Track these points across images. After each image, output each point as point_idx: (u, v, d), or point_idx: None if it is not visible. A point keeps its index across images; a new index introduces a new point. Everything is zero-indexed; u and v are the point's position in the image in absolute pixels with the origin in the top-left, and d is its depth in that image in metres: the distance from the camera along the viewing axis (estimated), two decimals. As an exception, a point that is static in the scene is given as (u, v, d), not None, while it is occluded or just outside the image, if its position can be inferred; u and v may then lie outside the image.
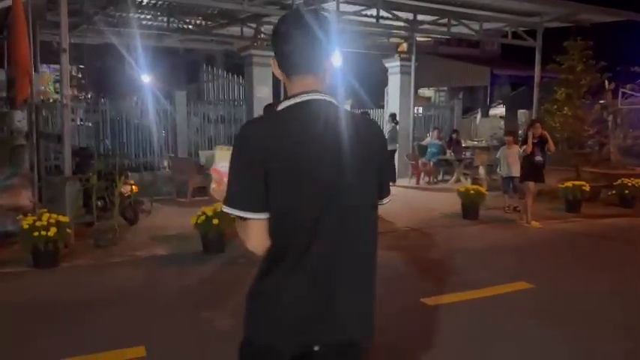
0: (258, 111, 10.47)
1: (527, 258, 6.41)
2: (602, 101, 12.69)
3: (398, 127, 12.73)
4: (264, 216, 1.61)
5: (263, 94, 11.44)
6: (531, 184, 8.00)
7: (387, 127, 12.42)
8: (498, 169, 9.52)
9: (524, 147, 7.99)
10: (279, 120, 1.70)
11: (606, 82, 11.71)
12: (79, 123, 10.96)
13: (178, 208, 9.00)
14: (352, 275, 1.67)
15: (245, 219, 1.62)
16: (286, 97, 1.70)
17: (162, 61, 20.62)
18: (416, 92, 17.41)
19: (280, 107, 1.69)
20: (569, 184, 9.21)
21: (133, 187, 7.67)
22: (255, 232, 1.64)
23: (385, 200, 1.84)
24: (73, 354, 3.61)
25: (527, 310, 4.59)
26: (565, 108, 11.63)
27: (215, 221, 6.11)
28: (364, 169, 1.68)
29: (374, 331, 1.74)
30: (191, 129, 11.59)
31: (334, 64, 1.77)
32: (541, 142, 7.93)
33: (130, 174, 9.06)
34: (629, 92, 12.69)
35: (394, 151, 12.31)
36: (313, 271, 1.62)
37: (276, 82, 12.13)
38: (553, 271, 5.84)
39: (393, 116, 12.85)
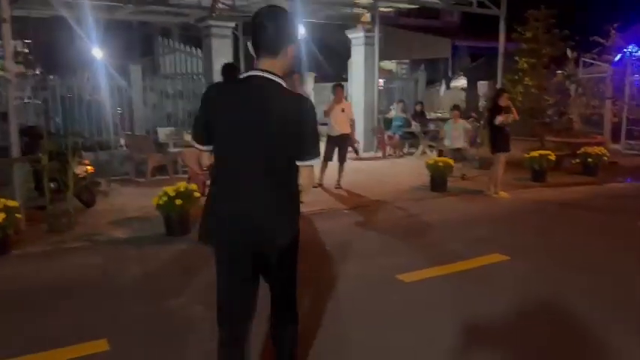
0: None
1: (499, 229, 6.36)
2: (559, 71, 12.80)
3: (350, 100, 12.52)
4: (207, 148, 2.42)
5: (223, 67, 10.98)
6: (502, 156, 7.95)
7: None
8: (445, 142, 10.18)
9: (499, 118, 7.78)
10: (228, 86, 2.63)
11: (568, 51, 11.78)
12: (26, 100, 10.27)
13: (137, 189, 8.59)
14: (261, 202, 2.32)
15: (200, 148, 2.46)
16: (246, 70, 2.42)
17: (116, 35, 19.60)
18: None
19: (240, 77, 2.41)
20: (535, 153, 9.23)
21: (88, 167, 7.24)
22: (203, 157, 2.48)
23: (306, 162, 2.36)
24: (26, 351, 3.30)
25: (504, 283, 4.51)
26: (526, 78, 11.65)
27: (178, 201, 5.78)
28: (278, 129, 2.27)
29: (284, 242, 2.39)
30: (148, 105, 11.05)
31: (294, 50, 2.37)
32: (507, 113, 7.84)
33: (84, 153, 8.59)
34: (591, 61, 12.81)
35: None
36: (231, 195, 2.34)
37: (236, 54, 11.69)
38: (525, 241, 5.81)
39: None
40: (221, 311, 2.51)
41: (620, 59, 13.58)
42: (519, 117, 11.83)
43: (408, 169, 10.45)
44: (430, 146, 12.27)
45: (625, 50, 14.05)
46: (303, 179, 2.38)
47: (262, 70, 2.31)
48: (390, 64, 23.43)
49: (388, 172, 10.36)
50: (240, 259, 2.39)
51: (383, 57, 20.18)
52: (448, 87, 20.72)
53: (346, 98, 13.05)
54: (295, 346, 2.63)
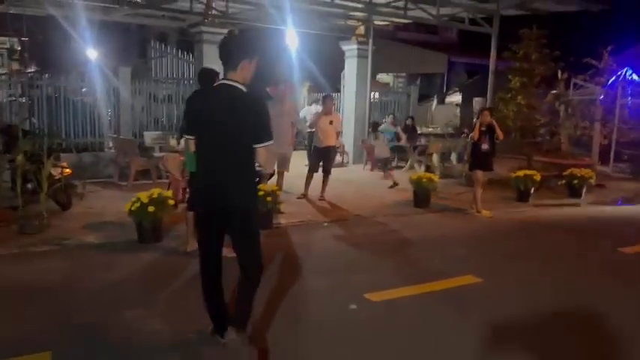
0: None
1: (476, 249, 6.26)
2: (554, 91, 12.81)
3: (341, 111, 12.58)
4: (192, 137, 3.35)
5: (214, 72, 10.94)
6: (479, 173, 7.93)
7: (312, 108, 12.11)
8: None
9: (471, 134, 7.90)
10: (204, 91, 3.76)
11: (559, 72, 11.76)
12: (11, 99, 10.20)
13: (118, 192, 8.49)
14: (226, 174, 3.23)
15: (187, 138, 3.46)
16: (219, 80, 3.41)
17: (113, 37, 19.54)
18: (374, 77, 17.20)
19: (213, 85, 3.48)
20: (520, 173, 9.17)
21: (66, 169, 7.14)
22: (190, 144, 3.39)
23: (260, 145, 3.22)
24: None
25: (471, 308, 4.42)
26: (519, 97, 11.63)
27: (151, 208, 5.69)
28: (237, 122, 3.17)
29: (242, 203, 3.27)
30: (136, 108, 10.98)
31: (253, 64, 3.29)
32: (490, 131, 7.81)
33: (67, 155, 8.49)
34: (581, 83, 12.81)
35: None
36: (206, 170, 3.30)
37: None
38: (501, 263, 5.71)
39: (316, 101, 12.64)
40: (200, 248, 3.44)
41: (613, 82, 13.60)
42: (512, 136, 11.90)
43: (395, 184, 10.36)
44: (418, 161, 12.21)
45: (619, 73, 14.10)
46: (259, 158, 3.26)
47: (228, 79, 3.24)
48: (387, 77, 23.47)
49: (374, 186, 10.28)
50: (211, 218, 3.31)
51: (379, 70, 20.27)
52: (443, 102, 20.72)
53: (337, 109, 13.13)
54: (251, 295, 3.38)
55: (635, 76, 14.53)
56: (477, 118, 8.04)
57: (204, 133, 3.23)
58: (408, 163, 12.45)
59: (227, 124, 3.15)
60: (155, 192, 5.82)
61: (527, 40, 11.43)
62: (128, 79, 10.74)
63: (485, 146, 7.78)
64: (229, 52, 3.22)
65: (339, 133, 9.05)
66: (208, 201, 3.28)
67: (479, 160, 7.92)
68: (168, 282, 4.73)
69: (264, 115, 3.23)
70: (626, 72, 14.33)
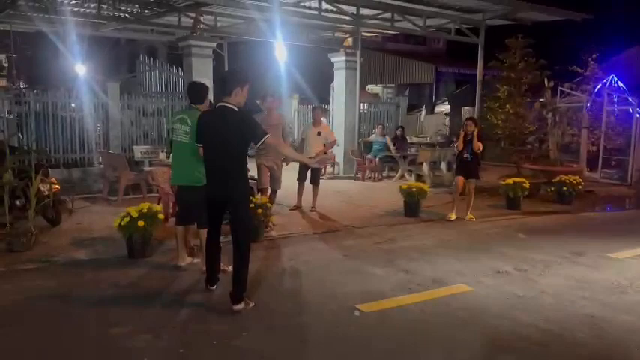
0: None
1: (466, 258, 6.23)
2: (541, 99, 12.94)
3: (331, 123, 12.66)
4: (200, 145, 4.48)
5: (204, 86, 10.95)
6: (459, 179, 8.16)
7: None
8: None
9: (456, 144, 8.19)
10: (210, 112, 4.75)
11: (545, 81, 11.89)
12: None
13: (108, 207, 8.44)
14: (225, 174, 4.32)
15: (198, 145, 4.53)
16: (217, 103, 4.42)
17: (103, 51, 19.59)
18: (364, 88, 17.33)
19: (216, 106, 4.45)
20: (509, 181, 9.22)
21: (55, 185, 7.09)
22: (199, 150, 4.53)
23: (263, 139, 4.34)
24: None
25: (464, 317, 4.42)
26: (507, 105, 11.74)
27: (140, 223, 5.65)
28: (233, 134, 4.23)
29: (238, 197, 4.34)
30: (125, 123, 10.97)
31: (243, 90, 4.31)
32: (477, 140, 7.92)
33: (56, 170, 8.47)
34: (567, 91, 12.95)
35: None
36: (211, 171, 4.39)
37: (216, 74, 11.68)
38: (490, 271, 5.71)
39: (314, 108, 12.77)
40: (207, 224, 4.62)
41: (599, 89, 13.76)
42: (501, 144, 12.00)
43: (385, 194, 10.38)
44: (409, 171, 12.26)
45: (604, 81, 14.27)
46: (271, 144, 4.73)
47: (225, 102, 4.26)
48: (376, 88, 23.63)
49: (365, 196, 10.31)
50: (215, 204, 4.44)
51: (368, 81, 20.42)
52: (432, 111, 20.87)
53: (328, 120, 13.19)
54: (244, 270, 4.30)
55: (620, 83, 14.72)
56: (463, 128, 8.14)
57: (210, 142, 4.32)
58: (399, 172, 12.50)
59: (225, 137, 4.21)
60: (145, 206, 5.79)
61: (513, 49, 11.57)
62: (117, 94, 10.74)
63: (465, 155, 8.00)
64: (225, 82, 4.28)
65: (333, 143, 9.08)
66: (214, 192, 4.37)
67: (460, 167, 8.23)
68: (159, 297, 4.70)
69: (254, 122, 4.45)
70: (611, 79, 14.52)
